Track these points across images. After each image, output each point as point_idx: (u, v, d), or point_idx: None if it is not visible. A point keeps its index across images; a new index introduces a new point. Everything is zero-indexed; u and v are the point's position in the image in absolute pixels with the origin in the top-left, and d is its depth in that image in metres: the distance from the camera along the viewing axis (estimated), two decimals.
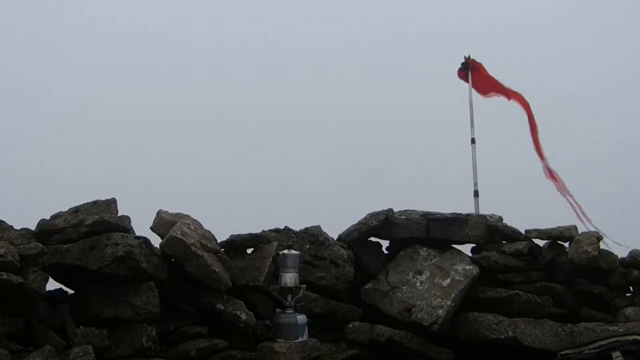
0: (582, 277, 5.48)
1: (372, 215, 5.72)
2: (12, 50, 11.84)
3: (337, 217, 6.42)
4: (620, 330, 4.96)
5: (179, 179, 11.04)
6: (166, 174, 11.09)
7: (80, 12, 12.79)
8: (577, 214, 6.29)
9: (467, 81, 6.90)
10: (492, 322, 5.21)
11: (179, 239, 4.50)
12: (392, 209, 5.82)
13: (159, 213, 4.92)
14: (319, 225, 5.68)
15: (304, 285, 4.97)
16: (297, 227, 5.61)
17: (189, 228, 4.70)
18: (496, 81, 6.93)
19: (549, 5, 13.26)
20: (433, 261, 5.57)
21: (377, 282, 5.50)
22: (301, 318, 4.82)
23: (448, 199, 6.57)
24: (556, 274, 5.56)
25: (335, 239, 5.67)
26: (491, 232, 5.72)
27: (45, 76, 11.85)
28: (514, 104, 6.94)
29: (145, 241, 4.45)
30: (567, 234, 5.56)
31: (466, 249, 5.78)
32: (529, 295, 5.36)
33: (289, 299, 4.85)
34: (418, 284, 5.42)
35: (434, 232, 5.63)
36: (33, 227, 4.48)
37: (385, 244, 5.94)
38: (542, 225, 5.67)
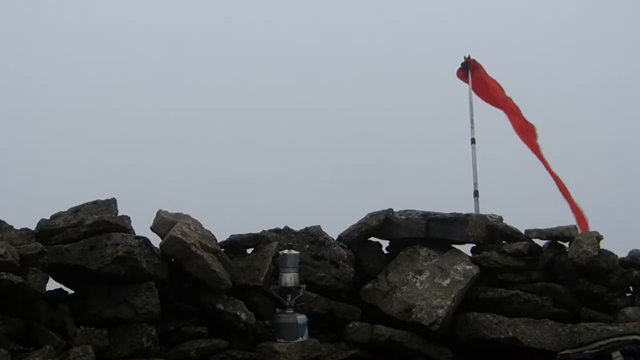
0: (582, 277, 5.48)
1: (372, 215, 5.72)
2: (12, 50, 11.84)
3: (337, 217, 6.42)
4: (620, 330, 4.96)
5: (179, 179, 11.06)
6: (166, 174, 11.10)
7: (81, 12, 12.81)
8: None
9: (466, 81, 6.89)
10: (492, 322, 5.21)
11: (179, 239, 4.50)
12: (392, 209, 5.82)
13: (159, 213, 4.92)
14: (319, 225, 5.68)
15: (304, 285, 4.96)
16: (297, 227, 5.61)
17: (189, 228, 4.70)
18: (495, 90, 6.90)
19: (549, 4, 13.28)
20: (433, 261, 5.57)
21: (377, 282, 5.50)
22: (301, 318, 4.82)
23: (448, 199, 6.57)
24: (556, 274, 5.56)
25: (335, 239, 5.67)
26: (491, 232, 5.72)
27: (45, 76, 11.87)
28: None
29: (145, 241, 4.45)
30: (567, 234, 5.56)
31: (466, 249, 5.78)
32: (529, 295, 5.36)
33: (289, 299, 4.85)
34: (418, 284, 5.42)
35: (434, 232, 5.63)
36: (33, 227, 4.47)
37: (385, 244, 5.94)
38: (542, 225, 5.68)
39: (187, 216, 5.00)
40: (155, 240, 4.66)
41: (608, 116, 11.75)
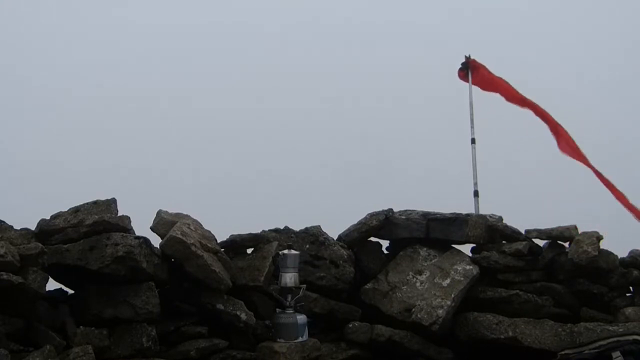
0: (582, 277, 5.48)
1: (372, 215, 5.72)
2: (12, 49, 11.84)
3: (337, 217, 6.42)
4: (620, 330, 4.96)
5: (179, 179, 11.06)
6: (166, 174, 11.10)
7: (78, 13, 12.80)
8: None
9: (467, 81, 6.89)
10: (492, 322, 5.21)
11: (179, 239, 4.50)
12: (392, 209, 5.82)
13: (159, 213, 4.92)
14: (319, 225, 5.68)
15: (304, 285, 4.97)
16: (297, 227, 5.61)
17: (189, 228, 4.70)
18: (508, 89, 6.89)
19: (549, 4, 13.27)
20: (433, 261, 5.57)
21: (377, 282, 5.50)
22: (301, 318, 4.82)
23: (448, 199, 6.58)
24: (556, 274, 5.56)
25: (335, 239, 5.67)
26: (491, 232, 5.72)
27: (45, 76, 11.86)
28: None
29: (145, 241, 4.45)
30: (567, 234, 5.55)
31: (466, 249, 5.78)
32: (529, 295, 5.36)
33: (289, 299, 4.85)
34: (418, 284, 5.42)
35: (434, 232, 5.63)
36: (33, 227, 4.48)
37: (385, 244, 5.94)
38: (542, 225, 5.68)
39: (187, 216, 5.00)
40: (155, 240, 4.67)
41: (608, 116, 11.75)
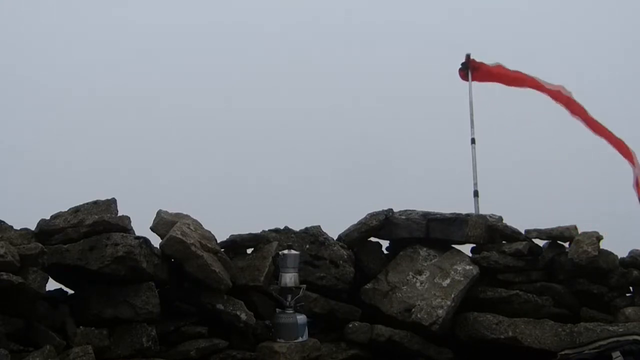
0: (582, 277, 5.48)
1: (372, 215, 5.72)
2: (11, 49, 11.84)
3: (337, 217, 6.41)
4: (620, 330, 4.96)
5: (179, 179, 11.05)
6: (166, 174, 11.10)
7: (85, 13, 12.80)
8: None
9: (468, 81, 6.89)
10: (492, 322, 5.21)
11: (179, 239, 4.50)
12: (392, 209, 5.82)
13: (159, 213, 4.92)
14: (319, 225, 5.68)
15: (304, 285, 4.97)
16: (297, 227, 5.61)
17: (189, 228, 4.70)
18: (499, 69, 6.91)
19: (549, 3, 13.28)
20: (433, 261, 5.57)
21: (377, 282, 5.50)
22: (301, 318, 4.82)
23: (448, 199, 6.58)
24: (556, 274, 5.56)
25: (335, 239, 5.67)
26: (491, 232, 5.72)
27: (44, 76, 11.86)
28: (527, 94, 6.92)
29: (145, 241, 4.45)
30: (567, 234, 5.55)
31: (466, 249, 5.78)
32: (529, 295, 5.36)
33: (289, 299, 4.85)
34: (418, 284, 5.42)
35: (434, 232, 5.63)
36: (33, 227, 4.47)
37: (385, 244, 5.94)
38: (542, 225, 5.67)
39: (187, 216, 5.00)
40: (155, 240, 4.67)
41: (608, 115, 11.74)
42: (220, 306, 4.67)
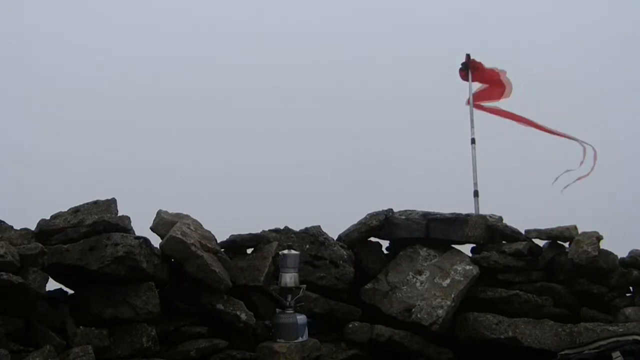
0: (582, 277, 5.48)
1: (372, 215, 5.72)
2: (11, 46, 11.83)
3: (337, 217, 6.42)
4: (620, 330, 4.96)
5: (178, 178, 11.05)
6: (166, 174, 11.10)
7: (84, 15, 12.81)
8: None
9: (468, 81, 6.89)
10: (492, 322, 5.21)
11: (179, 239, 4.50)
12: (392, 209, 5.83)
13: (159, 213, 4.92)
14: (319, 225, 5.68)
15: (304, 285, 4.97)
16: (297, 227, 5.61)
17: (189, 228, 4.70)
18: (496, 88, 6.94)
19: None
20: (433, 261, 5.57)
21: (377, 282, 5.50)
22: (301, 318, 4.82)
23: (448, 199, 6.57)
24: (556, 274, 5.56)
25: (335, 239, 5.67)
26: (491, 232, 5.72)
27: (44, 76, 11.86)
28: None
29: (145, 241, 4.45)
30: (567, 234, 5.56)
31: (466, 249, 5.78)
32: (529, 295, 5.36)
33: (289, 299, 4.85)
34: (418, 284, 5.42)
35: (434, 232, 5.63)
36: (33, 227, 4.47)
37: (385, 244, 5.94)
38: (542, 225, 5.68)
39: (187, 216, 5.00)
40: (155, 240, 4.67)
41: (608, 115, 11.75)
42: (220, 306, 4.67)
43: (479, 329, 5.22)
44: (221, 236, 5.14)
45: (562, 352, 4.96)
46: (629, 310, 5.28)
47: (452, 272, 5.41)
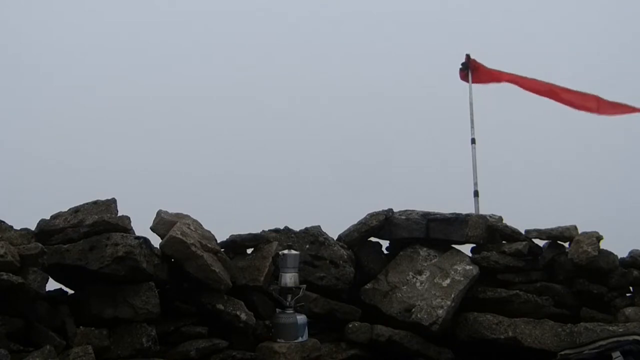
0: (582, 277, 5.48)
1: (372, 215, 5.72)
2: (10, 44, 11.83)
3: (337, 217, 6.42)
4: (620, 330, 4.96)
5: (178, 178, 11.05)
6: (166, 173, 11.10)
7: (83, 18, 12.82)
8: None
9: (468, 81, 6.90)
10: (492, 322, 5.21)
11: (179, 239, 4.50)
12: (392, 209, 5.83)
13: (159, 213, 4.92)
14: (319, 225, 5.68)
15: (304, 285, 4.97)
16: (297, 227, 5.61)
17: (189, 228, 4.70)
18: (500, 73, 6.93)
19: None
20: (433, 261, 5.57)
21: (377, 282, 5.51)
22: (301, 318, 4.82)
23: (448, 199, 6.58)
24: (556, 274, 5.57)
25: (335, 239, 5.67)
26: (491, 232, 5.72)
27: (45, 77, 11.86)
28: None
29: (145, 241, 4.45)
30: (567, 234, 5.56)
31: (466, 249, 5.78)
32: (528, 295, 5.36)
33: (289, 299, 4.85)
34: (418, 284, 5.42)
35: (434, 232, 5.63)
36: (33, 227, 4.47)
37: (385, 244, 5.94)
38: (542, 225, 5.68)
39: (187, 216, 5.00)
40: (155, 240, 4.67)
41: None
42: (220, 306, 4.67)
43: (479, 329, 5.22)
44: (221, 236, 5.14)
45: (562, 352, 4.97)
46: (629, 310, 5.28)
47: (452, 272, 5.41)
